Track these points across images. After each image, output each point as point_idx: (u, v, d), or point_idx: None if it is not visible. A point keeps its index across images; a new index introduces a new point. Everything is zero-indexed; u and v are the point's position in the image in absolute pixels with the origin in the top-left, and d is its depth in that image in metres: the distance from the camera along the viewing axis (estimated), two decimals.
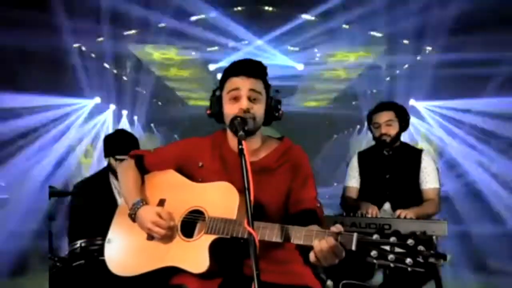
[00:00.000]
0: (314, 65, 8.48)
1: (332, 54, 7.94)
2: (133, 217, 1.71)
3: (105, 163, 3.04)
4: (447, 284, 2.85)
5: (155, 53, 7.89)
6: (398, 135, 2.90)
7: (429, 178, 2.85)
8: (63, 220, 2.96)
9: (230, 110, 1.68)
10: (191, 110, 10.53)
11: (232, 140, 1.74)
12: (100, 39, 6.85)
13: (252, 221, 1.37)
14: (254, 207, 1.40)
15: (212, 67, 8.23)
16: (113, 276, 1.70)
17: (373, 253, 1.33)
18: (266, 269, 1.47)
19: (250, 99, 1.66)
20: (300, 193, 1.71)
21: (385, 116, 2.89)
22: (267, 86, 1.73)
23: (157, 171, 1.84)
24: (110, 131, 6.83)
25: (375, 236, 1.35)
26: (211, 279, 1.59)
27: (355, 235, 1.38)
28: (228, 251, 1.59)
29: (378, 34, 7.01)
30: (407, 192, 2.84)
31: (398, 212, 2.61)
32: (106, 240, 1.80)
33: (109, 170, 2.96)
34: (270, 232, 1.50)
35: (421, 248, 1.29)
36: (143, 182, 1.84)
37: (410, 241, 1.30)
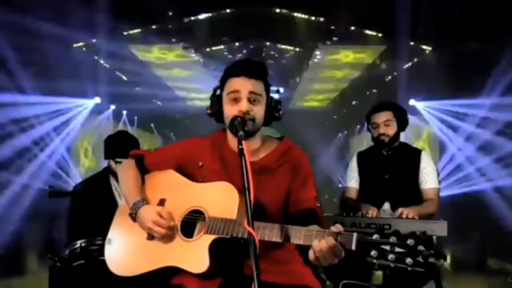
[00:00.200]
0: (314, 65, 8.48)
1: (332, 54, 7.94)
2: (133, 216, 1.71)
3: (105, 163, 3.04)
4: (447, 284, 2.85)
5: (156, 53, 7.88)
6: (396, 135, 2.90)
7: (429, 178, 2.85)
8: (63, 220, 2.96)
9: (230, 111, 1.68)
10: (191, 110, 10.53)
11: (232, 140, 1.75)
12: (100, 39, 6.85)
13: (252, 221, 1.37)
14: (254, 207, 1.40)
15: (212, 67, 8.23)
16: (113, 276, 1.70)
17: (373, 253, 1.33)
18: (266, 269, 1.48)
19: (250, 100, 1.66)
20: (300, 193, 1.71)
21: (383, 116, 2.89)
22: (267, 87, 1.73)
23: (157, 171, 1.84)
24: (110, 131, 6.82)
25: (375, 236, 1.35)
26: (211, 279, 1.59)
27: (355, 235, 1.38)
28: (228, 251, 1.60)
29: (378, 34, 7.00)
30: (407, 192, 2.84)
31: (400, 210, 2.60)
32: (106, 240, 1.79)
33: (109, 172, 2.96)
34: (270, 232, 1.50)
35: (421, 248, 1.29)
36: (143, 182, 1.84)
37: (410, 241, 1.30)
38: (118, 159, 2.84)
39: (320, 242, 1.41)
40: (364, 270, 2.66)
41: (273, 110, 1.74)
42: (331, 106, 11.42)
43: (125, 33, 6.85)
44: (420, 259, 1.28)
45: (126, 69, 8.42)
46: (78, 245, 2.53)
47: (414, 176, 2.87)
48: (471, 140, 6.43)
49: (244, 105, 1.65)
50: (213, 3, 6.57)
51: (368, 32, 6.90)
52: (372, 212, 2.66)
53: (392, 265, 1.31)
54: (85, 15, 5.70)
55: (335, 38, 7.18)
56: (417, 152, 2.94)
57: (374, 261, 1.33)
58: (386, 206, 2.83)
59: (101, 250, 1.89)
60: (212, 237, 1.57)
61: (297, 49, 8.00)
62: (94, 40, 6.98)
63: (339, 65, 8.48)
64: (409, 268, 1.29)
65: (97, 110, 7.98)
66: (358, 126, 10.45)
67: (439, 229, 2.42)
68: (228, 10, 6.72)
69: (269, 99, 1.74)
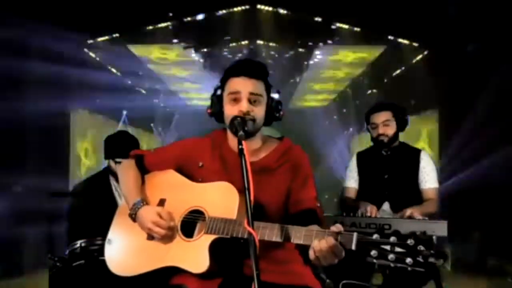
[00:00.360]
0: (314, 65, 8.48)
1: (332, 54, 7.94)
2: (133, 217, 1.71)
3: (105, 163, 3.04)
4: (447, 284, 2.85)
5: (156, 53, 7.88)
6: (396, 135, 2.90)
7: (429, 178, 2.85)
8: (63, 220, 2.96)
9: (230, 111, 1.68)
10: (191, 110, 10.53)
11: (232, 140, 1.75)
12: (100, 38, 6.84)
13: (252, 221, 1.37)
14: (254, 207, 1.40)
15: (212, 67, 8.22)
16: (113, 276, 1.70)
17: (373, 252, 1.33)
18: (266, 269, 1.47)
19: (250, 101, 1.66)
20: (300, 193, 1.71)
21: (382, 116, 2.89)
22: (268, 87, 1.73)
23: (157, 171, 1.84)
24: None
25: (375, 236, 1.35)
26: (211, 279, 1.59)
27: (355, 234, 1.38)
28: (228, 251, 1.60)
29: (379, 34, 7.00)
30: (406, 192, 2.85)
31: (408, 211, 2.58)
32: (106, 240, 1.79)
33: (109, 172, 2.96)
34: (270, 232, 1.50)
35: (421, 248, 1.29)
36: (143, 182, 1.84)
37: (410, 241, 1.30)
38: (118, 159, 2.84)
39: (320, 242, 1.41)
40: (364, 270, 2.66)
41: (273, 110, 1.74)
42: (331, 106, 11.43)
43: (125, 32, 6.84)
44: (420, 259, 1.28)
45: (126, 69, 8.41)
46: (78, 245, 2.53)
47: (414, 176, 2.87)
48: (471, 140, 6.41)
49: (244, 106, 1.65)
50: (213, 3, 6.57)
51: (368, 32, 6.90)
52: (371, 209, 2.65)
53: (392, 265, 1.31)
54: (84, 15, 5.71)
55: (335, 38, 7.18)
56: (416, 152, 2.94)
57: (374, 261, 1.33)
58: (386, 206, 2.83)
59: (101, 250, 1.89)
60: (212, 237, 1.57)
61: (297, 49, 8.00)
62: (93, 40, 6.97)
63: (339, 65, 8.49)
64: (409, 268, 1.29)
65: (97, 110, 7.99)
66: (358, 126, 10.45)
67: (439, 229, 2.42)
68: (228, 10, 6.72)
69: (270, 99, 1.73)
